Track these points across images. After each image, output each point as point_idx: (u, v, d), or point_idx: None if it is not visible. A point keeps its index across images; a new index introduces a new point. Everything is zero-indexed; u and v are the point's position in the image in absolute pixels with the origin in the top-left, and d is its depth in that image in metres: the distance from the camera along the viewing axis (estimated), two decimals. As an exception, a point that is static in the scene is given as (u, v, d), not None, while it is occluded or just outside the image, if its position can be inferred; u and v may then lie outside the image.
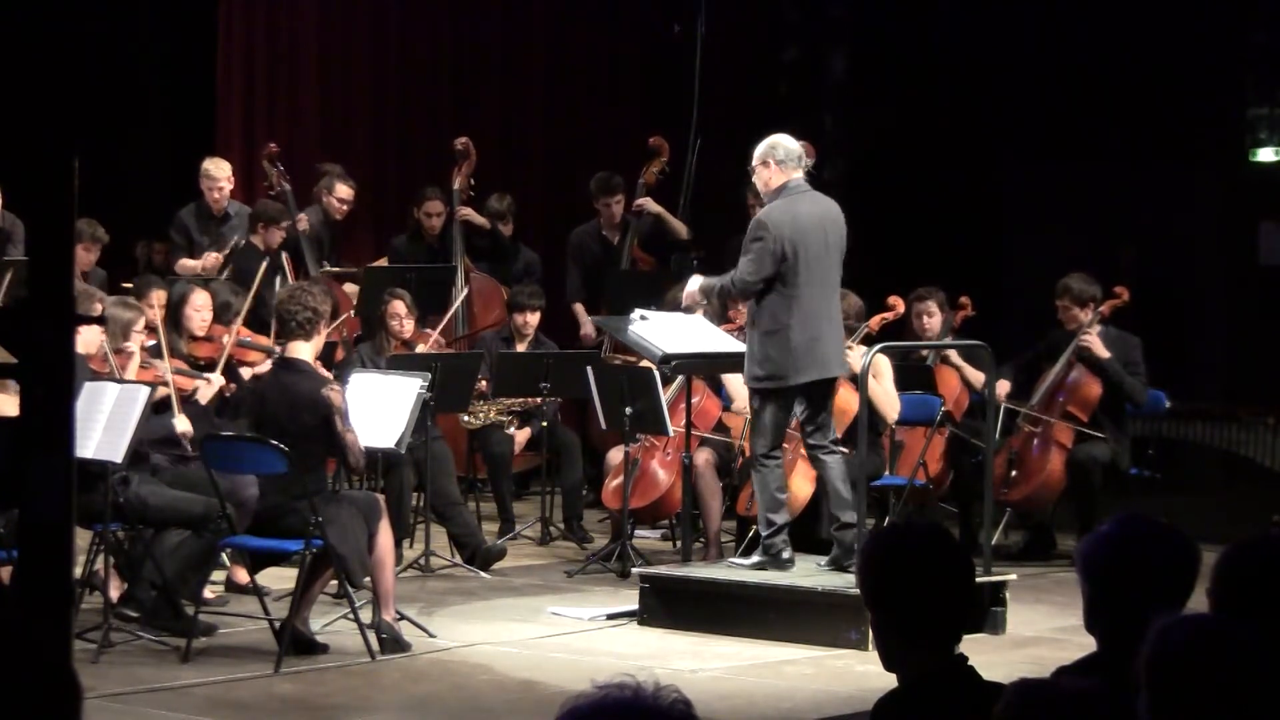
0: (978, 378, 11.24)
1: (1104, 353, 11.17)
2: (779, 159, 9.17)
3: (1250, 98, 15.68)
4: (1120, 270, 11.86)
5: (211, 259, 11.95)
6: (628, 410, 10.38)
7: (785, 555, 9.28)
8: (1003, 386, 11.23)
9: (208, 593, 9.13)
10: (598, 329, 12.48)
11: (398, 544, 9.54)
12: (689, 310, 10.03)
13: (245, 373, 10.03)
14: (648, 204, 13.02)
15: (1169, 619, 3.30)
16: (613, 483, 10.90)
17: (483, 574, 10.58)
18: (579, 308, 13.03)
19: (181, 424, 9.26)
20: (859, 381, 9.31)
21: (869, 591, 4.00)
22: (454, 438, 11.68)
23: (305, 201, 12.65)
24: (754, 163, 9.29)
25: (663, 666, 8.21)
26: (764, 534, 9.31)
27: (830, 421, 9.32)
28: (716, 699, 7.79)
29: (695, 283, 9.70)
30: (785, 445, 9.54)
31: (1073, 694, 3.18)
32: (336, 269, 12.60)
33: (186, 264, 12.08)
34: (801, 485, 10.30)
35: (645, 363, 10.50)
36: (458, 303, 12.45)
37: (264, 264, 11.35)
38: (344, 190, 12.62)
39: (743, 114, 15.55)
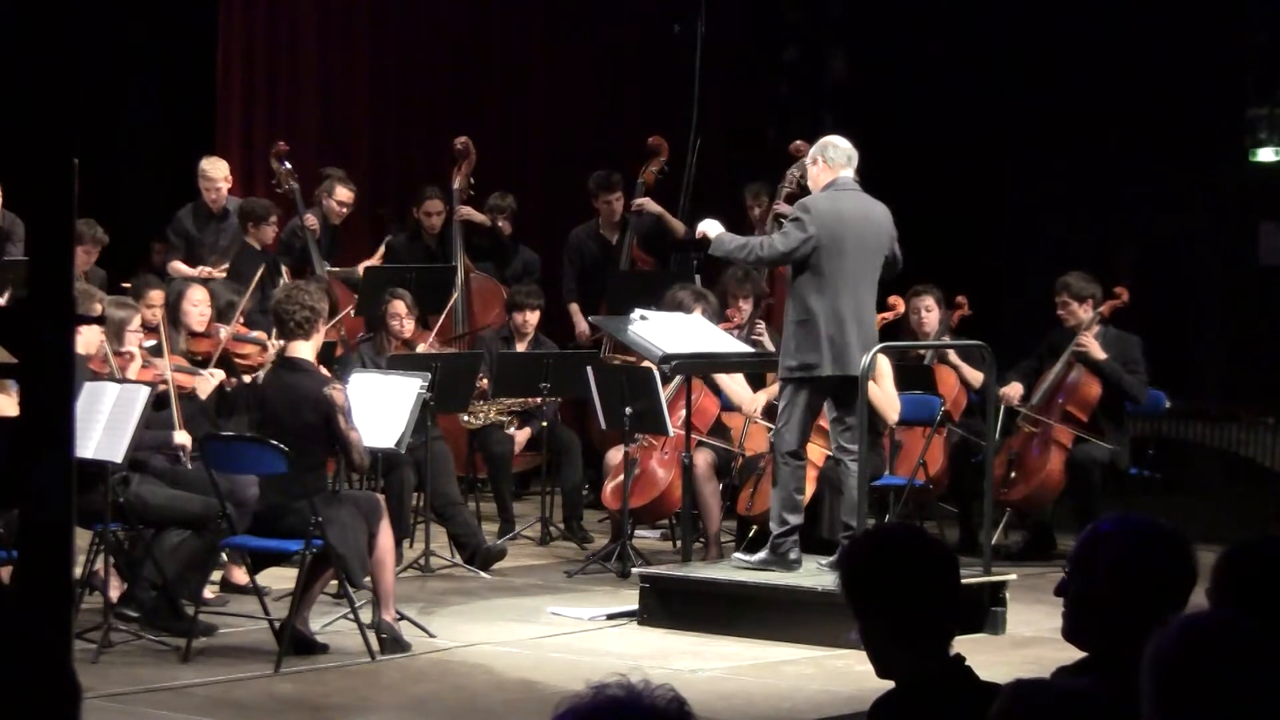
0: (976, 377, 11.24)
1: (1100, 354, 11.16)
2: (829, 157, 9.30)
3: (1250, 98, 15.67)
4: (1120, 270, 11.85)
5: (207, 273, 11.83)
6: (628, 410, 10.38)
7: (793, 556, 9.28)
8: (1015, 390, 11.22)
9: (207, 593, 9.13)
10: (594, 328, 12.48)
11: (398, 544, 9.54)
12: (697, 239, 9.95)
13: (245, 377, 9.99)
14: (647, 204, 13.02)
15: (1174, 618, 3.30)
16: (612, 483, 10.90)
17: (483, 574, 10.58)
18: (574, 307, 13.03)
19: (181, 436, 9.24)
20: (859, 382, 9.32)
21: (850, 598, 3.99)
22: (454, 438, 11.68)
23: (308, 203, 12.65)
24: (807, 161, 9.49)
25: (663, 666, 8.21)
26: (775, 532, 9.30)
27: (855, 425, 9.29)
28: (716, 699, 7.79)
29: (714, 227, 9.53)
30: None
31: (1069, 694, 3.18)
32: (341, 269, 12.60)
33: (179, 268, 12.03)
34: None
35: (645, 363, 10.50)
36: (454, 299, 12.46)
37: (261, 264, 11.34)
38: (344, 193, 12.61)
39: (743, 114, 15.56)
